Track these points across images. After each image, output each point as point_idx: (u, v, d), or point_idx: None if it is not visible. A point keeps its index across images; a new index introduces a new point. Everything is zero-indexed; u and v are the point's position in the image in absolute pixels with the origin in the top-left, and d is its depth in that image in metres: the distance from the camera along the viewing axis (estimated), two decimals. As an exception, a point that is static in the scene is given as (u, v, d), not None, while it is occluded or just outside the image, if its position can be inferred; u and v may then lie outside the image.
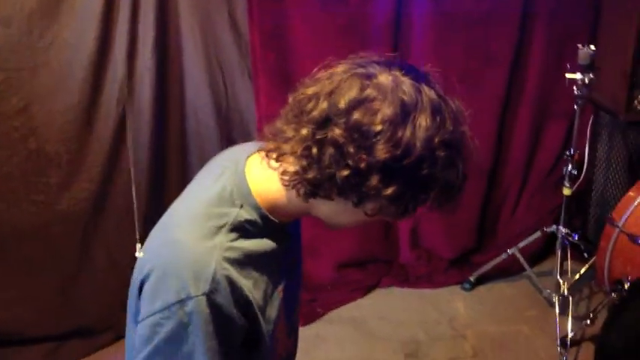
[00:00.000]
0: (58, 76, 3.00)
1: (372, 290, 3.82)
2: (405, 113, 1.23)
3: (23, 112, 2.99)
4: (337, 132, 1.23)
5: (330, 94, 1.27)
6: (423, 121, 1.24)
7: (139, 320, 1.30)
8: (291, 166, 1.31)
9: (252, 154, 1.43)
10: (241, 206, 1.35)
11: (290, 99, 1.36)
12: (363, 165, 1.22)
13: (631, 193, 3.19)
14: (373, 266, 3.92)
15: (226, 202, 1.35)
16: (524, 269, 3.71)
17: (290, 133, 1.31)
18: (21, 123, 3.00)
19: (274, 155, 1.34)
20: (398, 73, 1.29)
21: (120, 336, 3.32)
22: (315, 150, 1.26)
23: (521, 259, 3.65)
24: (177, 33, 3.22)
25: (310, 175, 1.28)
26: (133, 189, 3.20)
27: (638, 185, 3.20)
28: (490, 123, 3.81)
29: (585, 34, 3.67)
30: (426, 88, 1.28)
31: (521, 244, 3.68)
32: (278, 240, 1.42)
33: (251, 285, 1.33)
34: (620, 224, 3.11)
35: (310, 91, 1.31)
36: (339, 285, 3.75)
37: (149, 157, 3.28)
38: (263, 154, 1.37)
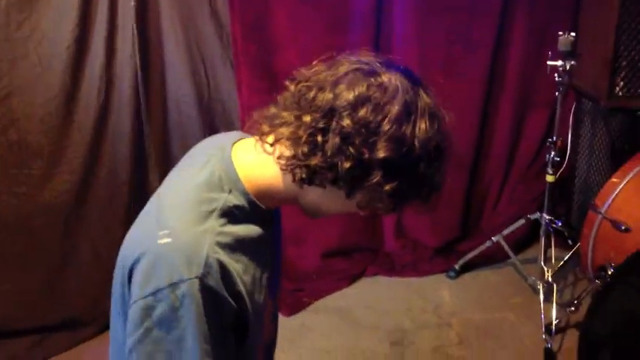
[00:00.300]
0: (37, 67, 2.99)
1: (357, 279, 3.83)
2: (407, 114, 1.29)
3: (3, 103, 2.98)
4: (345, 123, 1.27)
5: (335, 85, 1.31)
6: (423, 124, 1.30)
7: (129, 304, 1.29)
8: (287, 150, 1.34)
9: (237, 141, 1.46)
10: (230, 191, 1.37)
11: (291, 86, 1.39)
12: (366, 159, 1.28)
13: (614, 179, 3.19)
14: (359, 255, 3.92)
15: (215, 187, 1.36)
16: (508, 257, 3.72)
17: (289, 119, 1.34)
18: (1, 114, 2.99)
19: (270, 139, 1.36)
20: (399, 75, 1.34)
21: (104, 328, 3.32)
22: (320, 137, 1.29)
23: (506, 247, 3.66)
24: (157, 24, 3.21)
25: (313, 161, 1.30)
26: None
27: (621, 171, 3.20)
28: (472, 110, 3.82)
29: (566, 21, 3.68)
30: (422, 92, 1.34)
31: (506, 232, 3.69)
32: (264, 226, 1.43)
33: (241, 270, 1.34)
34: (603, 210, 3.12)
35: (312, 80, 1.35)
36: (325, 274, 3.76)
37: (131, 148, 3.26)
38: (257, 137, 1.39)
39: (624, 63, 3.33)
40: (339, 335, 3.31)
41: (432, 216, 3.93)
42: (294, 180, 1.35)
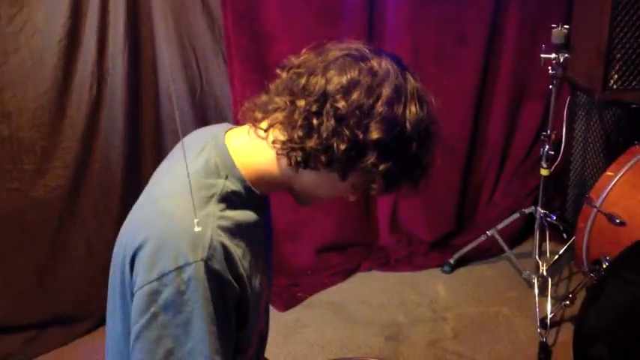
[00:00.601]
0: (29, 61, 2.97)
1: (352, 274, 3.82)
2: (398, 97, 1.35)
3: (-6, 98, 2.97)
4: (340, 105, 1.32)
5: (327, 70, 1.36)
6: (413, 106, 1.36)
7: (134, 291, 1.30)
8: (282, 134, 1.38)
9: (229, 129, 1.49)
10: (226, 177, 1.40)
11: (282, 74, 1.44)
12: (361, 140, 1.33)
13: (609, 173, 3.19)
14: (353, 250, 3.91)
15: (212, 173, 1.39)
16: (503, 251, 3.72)
17: (282, 104, 1.38)
18: (-7, 109, 2.99)
19: (264, 124, 1.41)
20: (388, 60, 1.40)
21: (99, 324, 3.33)
22: (315, 120, 1.34)
23: (501, 241, 3.66)
24: (149, 17, 3.19)
25: (309, 144, 1.34)
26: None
27: (616, 165, 3.20)
28: (465, 104, 3.81)
29: (560, 13, 3.66)
30: (410, 77, 1.40)
31: (500, 226, 3.69)
32: (258, 212, 1.46)
33: (241, 254, 1.36)
34: (598, 204, 3.12)
35: (303, 67, 1.40)
36: (319, 269, 3.75)
37: (123, 142, 3.25)
38: (249, 124, 1.44)
39: (618, 56, 3.32)
40: (334, 330, 3.30)
41: (426, 210, 3.93)
42: (289, 164, 1.38)
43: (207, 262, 1.27)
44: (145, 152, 3.37)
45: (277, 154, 1.40)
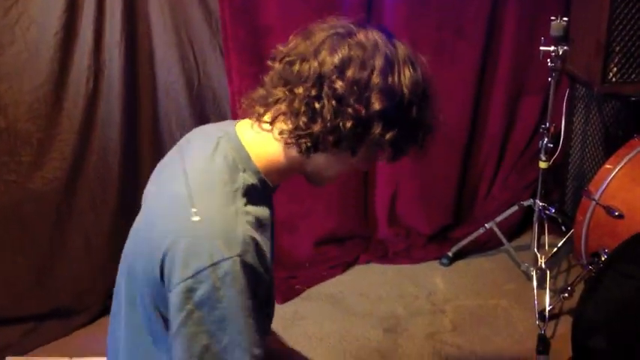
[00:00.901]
0: (25, 54, 2.96)
1: (350, 267, 3.82)
2: (390, 65, 1.39)
3: (-9, 91, 2.97)
4: (338, 85, 1.36)
5: (318, 53, 1.39)
6: (407, 71, 1.41)
7: (170, 289, 1.32)
8: (286, 125, 1.42)
9: (237, 123, 1.53)
10: (244, 170, 1.44)
11: (275, 65, 1.47)
12: (364, 115, 1.37)
13: (607, 166, 3.18)
14: (351, 242, 3.91)
15: (232, 168, 1.43)
16: (502, 243, 3.72)
17: (281, 95, 1.42)
18: (-11, 101, 2.98)
19: (268, 117, 1.44)
20: (374, 31, 1.44)
21: (96, 317, 3.34)
22: (316, 105, 1.37)
23: (499, 234, 3.66)
24: (145, 10, 3.18)
25: (315, 128, 1.38)
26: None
27: (615, 157, 3.19)
28: (465, 98, 3.80)
29: (559, 6, 3.65)
30: (398, 43, 1.46)
31: (499, 219, 3.68)
32: (270, 207, 1.49)
33: (266, 247, 1.41)
34: (597, 197, 3.11)
35: (293, 54, 1.43)
36: (318, 262, 3.75)
37: (121, 134, 3.24)
38: (253, 118, 1.47)
39: (618, 48, 3.31)
40: (332, 322, 3.30)
41: (424, 203, 3.93)
42: (299, 151, 1.42)
43: (242, 257, 1.30)
44: (142, 145, 3.36)
45: (286, 143, 1.42)
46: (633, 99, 3.46)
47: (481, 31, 3.70)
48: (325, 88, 1.37)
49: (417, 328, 3.26)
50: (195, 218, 1.34)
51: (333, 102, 1.36)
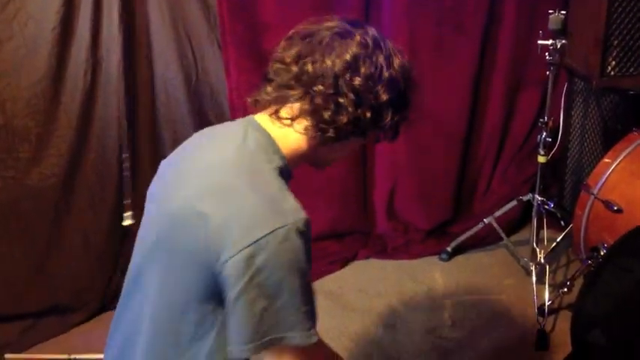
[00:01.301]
0: (22, 49, 2.95)
1: (349, 262, 3.82)
2: (389, 58, 1.57)
3: (-11, 87, 2.96)
4: (356, 81, 1.52)
5: (326, 53, 1.53)
6: (397, 60, 1.59)
7: (226, 260, 1.38)
8: (306, 120, 1.56)
9: (256, 117, 1.63)
10: (274, 153, 1.57)
11: (277, 66, 1.59)
12: (377, 104, 1.55)
13: (606, 160, 3.18)
14: (350, 238, 3.91)
15: (266, 150, 1.56)
16: (500, 238, 3.72)
17: (298, 94, 1.55)
18: (-13, 97, 2.97)
19: (285, 113, 1.58)
20: (366, 29, 1.59)
21: (95, 313, 3.35)
22: (340, 99, 1.52)
23: (498, 229, 3.65)
24: (143, 4, 3.18)
25: (342, 121, 1.54)
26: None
27: (613, 151, 3.19)
28: (463, 92, 3.80)
29: (557, -1, 3.65)
30: (384, 37, 1.62)
31: (498, 214, 3.68)
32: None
33: None
34: (596, 191, 3.11)
35: (303, 57, 1.55)
36: (317, 258, 3.70)
37: (119, 130, 3.24)
38: (270, 116, 1.59)
39: (616, 42, 3.30)
40: (332, 318, 3.30)
41: (423, 198, 3.93)
42: (323, 142, 1.58)
43: (296, 224, 1.39)
44: (140, 140, 3.36)
45: (311, 137, 1.58)
46: (632, 93, 3.46)
47: (480, 25, 3.70)
48: (343, 85, 1.52)
49: (416, 324, 3.26)
50: (247, 193, 1.44)
51: (352, 95, 1.52)
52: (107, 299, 3.38)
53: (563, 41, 3.09)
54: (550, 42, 3.10)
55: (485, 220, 3.67)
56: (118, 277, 3.42)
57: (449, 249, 3.81)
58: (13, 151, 3.07)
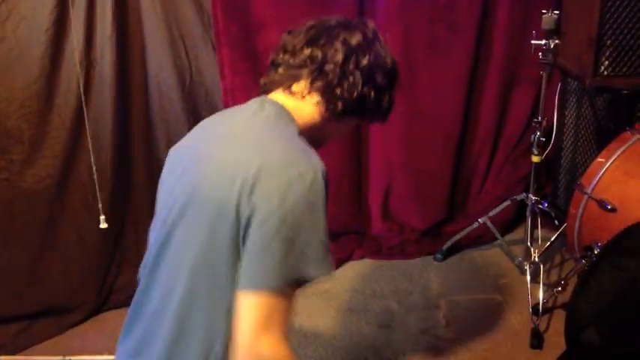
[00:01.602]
0: (15, 50, 2.96)
1: (344, 263, 3.83)
2: (385, 50, 1.76)
3: (-19, 88, 2.95)
4: (364, 62, 1.69)
5: (334, 40, 1.68)
6: (386, 49, 1.77)
7: (258, 204, 1.46)
8: (319, 96, 1.69)
9: (269, 95, 1.74)
10: (290, 122, 1.67)
11: (287, 50, 1.72)
12: (379, 86, 1.73)
13: (600, 159, 3.18)
14: (345, 239, 3.91)
15: (282, 119, 1.67)
16: (495, 238, 3.73)
17: (310, 73, 1.68)
18: (-20, 99, 2.96)
19: (297, 88, 1.70)
20: (360, 22, 1.76)
21: (91, 314, 3.35)
22: (351, 78, 1.68)
23: (492, 228, 3.66)
24: (136, 5, 3.19)
25: (352, 96, 1.68)
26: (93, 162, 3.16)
27: (607, 151, 3.19)
28: (457, 91, 3.81)
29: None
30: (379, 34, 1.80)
31: (492, 213, 3.68)
32: None
33: None
34: (589, 190, 3.11)
35: (308, 40, 1.70)
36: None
37: (113, 132, 3.24)
38: (285, 92, 1.71)
39: (609, 42, 3.30)
40: (327, 318, 3.30)
41: (418, 198, 3.93)
42: (332, 115, 1.71)
43: (322, 170, 1.51)
44: (134, 141, 3.36)
45: (322, 111, 1.71)
46: (625, 92, 3.46)
47: (474, 24, 3.70)
48: (352, 64, 1.67)
49: (412, 324, 3.26)
50: (275, 142, 1.57)
51: (360, 75, 1.68)
52: (102, 300, 3.38)
53: (557, 41, 3.10)
54: (543, 42, 3.11)
55: (479, 219, 3.68)
56: (112, 278, 3.42)
57: (443, 249, 3.81)
58: (6, 153, 3.07)
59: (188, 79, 3.36)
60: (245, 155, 1.54)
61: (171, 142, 3.36)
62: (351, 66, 1.68)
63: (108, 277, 3.40)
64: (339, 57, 1.67)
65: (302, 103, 1.71)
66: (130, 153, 3.37)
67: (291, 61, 1.72)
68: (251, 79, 3.23)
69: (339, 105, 1.69)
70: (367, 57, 1.70)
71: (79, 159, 3.21)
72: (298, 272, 1.46)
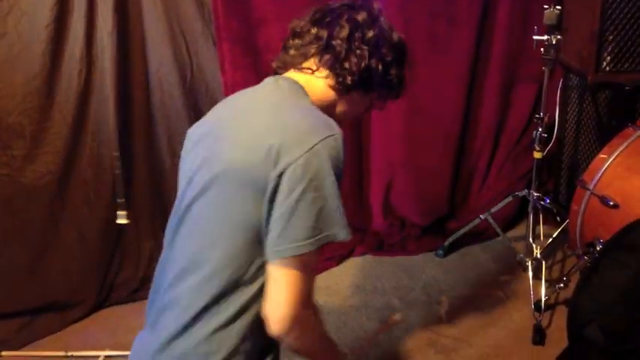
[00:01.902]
0: (17, 46, 2.97)
1: (346, 259, 3.82)
2: (391, 27, 1.81)
3: (-18, 84, 2.95)
4: (370, 35, 1.73)
5: (339, 18, 1.74)
6: (394, 27, 1.82)
7: (285, 169, 1.50)
8: (327, 69, 1.74)
9: (282, 74, 1.80)
10: (304, 95, 1.72)
11: (295, 33, 1.78)
12: (386, 60, 1.76)
13: (602, 155, 3.17)
14: (346, 235, 3.90)
15: (297, 93, 1.72)
16: (497, 234, 3.71)
17: (318, 49, 1.73)
18: (-19, 95, 2.97)
19: (308, 65, 1.75)
20: (374, 3, 1.81)
21: (92, 310, 3.35)
22: (358, 51, 1.72)
23: (494, 225, 3.65)
24: (137, 1, 3.19)
25: (360, 67, 1.72)
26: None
27: (609, 147, 3.19)
28: (458, 88, 3.81)
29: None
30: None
31: (494, 210, 3.67)
32: None
33: None
34: (591, 187, 3.10)
35: (315, 21, 1.76)
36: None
37: (114, 127, 3.24)
38: (296, 69, 1.77)
39: (611, 37, 3.30)
40: (328, 314, 3.29)
41: (419, 195, 3.93)
42: (342, 89, 1.74)
43: (340, 134, 1.57)
44: (135, 137, 3.36)
45: (331, 83, 1.74)
46: (627, 88, 3.45)
47: (475, 19, 3.70)
48: (358, 38, 1.72)
49: (413, 320, 3.26)
50: (295, 113, 1.62)
51: (366, 47, 1.72)
52: (103, 296, 3.38)
53: (559, 37, 3.09)
54: (545, 37, 3.10)
55: (481, 216, 3.67)
56: (114, 274, 3.42)
57: (445, 245, 3.80)
58: (7, 148, 3.08)
59: (189, 74, 3.35)
60: (266, 126, 1.59)
61: (172, 137, 3.38)
62: (357, 40, 1.72)
63: (109, 274, 3.40)
64: (345, 32, 1.72)
65: (312, 78, 1.75)
66: (131, 148, 3.36)
67: (299, 42, 1.77)
68: (252, 74, 3.23)
69: (348, 78, 1.73)
70: (372, 31, 1.74)
71: (81, 155, 3.22)
72: (325, 235, 1.51)
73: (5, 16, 2.90)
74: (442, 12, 3.62)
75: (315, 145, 1.51)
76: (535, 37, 3.11)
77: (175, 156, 3.25)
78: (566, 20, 3.20)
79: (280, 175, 1.50)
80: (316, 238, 1.50)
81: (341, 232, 1.54)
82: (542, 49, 3.13)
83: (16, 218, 3.15)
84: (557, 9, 3.05)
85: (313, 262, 1.56)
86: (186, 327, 1.60)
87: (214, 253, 1.59)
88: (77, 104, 3.13)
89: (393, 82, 1.82)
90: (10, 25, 2.92)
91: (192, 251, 1.64)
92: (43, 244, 3.23)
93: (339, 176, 1.54)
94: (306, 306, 1.57)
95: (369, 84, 1.78)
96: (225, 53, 3.29)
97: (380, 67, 1.75)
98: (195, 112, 3.34)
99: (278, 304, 1.54)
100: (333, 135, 1.55)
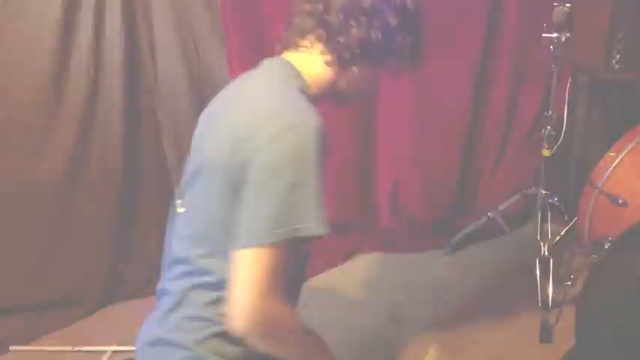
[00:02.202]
0: (26, 42, 2.97)
1: (352, 256, 3.82)
2: None
3: (-8, 79, 2.96)
4: (365, 3, 1.64)
5: None
6: None
7: (257, 153, 1.48)
8: (321, 44, 1.68)
9: (279, 56, 1.75)
10: (296, 78, 1.68)
11: (300, 13, 1.73)
12: (388, 28, 1.67)
13: (610, 153, 3.17)
14: (353, 232, 3.90)
15: (286, 74, 1.68)
16: (504, 232, 3.71)
17: (314, 24, 1.69)
18: (-10, 91, 2.98)
19: (305, 42, 1.71)
20: None
21: (99, 306, 3.36)
22: (352, 22, 1.64)
23: (502, 222, 3.64)
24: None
25: (353, 40, 1.65)
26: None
27: (618, 145, 3.18)
28: (466, 84, 3.80)
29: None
30: None
31: (502, 207, 3.67)
32: None
33: None
34: (600, 185, 3.10)
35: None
36: (320, 251, 3.72)
37: (122, 124, 3.26)
38: (291, 48, 1.73)
39: (621, 35, 3.29)
40: (335, 311, 3.30)
41: (427, 192, 3.92)
42: (340, 63, 1.68)
43: (316, 123, 1.50)
44: (143, 134, 3.37)
45: (328, 60, 1.68)
46: (637, 86, 3.45)
47: (484, 16, 3.69)
48: (354, 8, 1.64)
49: (420, 317, 3.26)
50: (271, 96, 1.59)
51: (363, 18, 1.64)
52: (111, 292, 3.39)
53: (568, 35, 3.07)
54: (554, 35, 3.09)
55: (489, 213, 3.66)
56: (121, 270, 3.43)
57: (452, 242, 3.80)
58: (17, 144, 3.08)
59: (197, 71, 3.36)
60: (238, 115, 1.58)
61: (179, 134, 3.38)
62: (354, 9, 1.65)
63: (117, 269, 3.41)
64: (339, 2, 1.66)
65: (309, 56, 1.71)
66: (139, 144, 3.38)
67: (296, 20, 1.74)
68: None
69: (345, 52, 1.67)
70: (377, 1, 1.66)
71: (89, 151, 3.23)
72: (293, 227, 1.45)
73: (15, 15, 2.92)
74: (450, 7, 3.60)
75: (280, 131, 1.47)
76: (544, 35, 3.10)
77: (181, 152, 3.26)
78: (576, 18, 3.18)
79: (246, 166, 1.48)
80: (280, 230, 1.45)
81: (314, 227, 1.47)
82: (551, 47, 3.12)
83: (25, 214, 3.16)
84: (566, 6, 3.03)
85: (279, 257, 1.47)
86: (167, 314, 1.64)
87: (196, 251, 1.63)
88: (86, 101, 3.14)
89: (401, 50, 1.72)
90: (20, 22, 2.94)
91: (182, 241, 1.68)
92: (51, 240, 3.24)
93: (310, 165, 1.47)
94: (269, 303, 1.49)
95: (370, 56, 1.69)
96: (233, 50, 3.29)
97: (380, 37, 1.66)
98: (203, 108, 3.34)
99: (235, 301, 1.48)
100: (303, 122, 1.49)
